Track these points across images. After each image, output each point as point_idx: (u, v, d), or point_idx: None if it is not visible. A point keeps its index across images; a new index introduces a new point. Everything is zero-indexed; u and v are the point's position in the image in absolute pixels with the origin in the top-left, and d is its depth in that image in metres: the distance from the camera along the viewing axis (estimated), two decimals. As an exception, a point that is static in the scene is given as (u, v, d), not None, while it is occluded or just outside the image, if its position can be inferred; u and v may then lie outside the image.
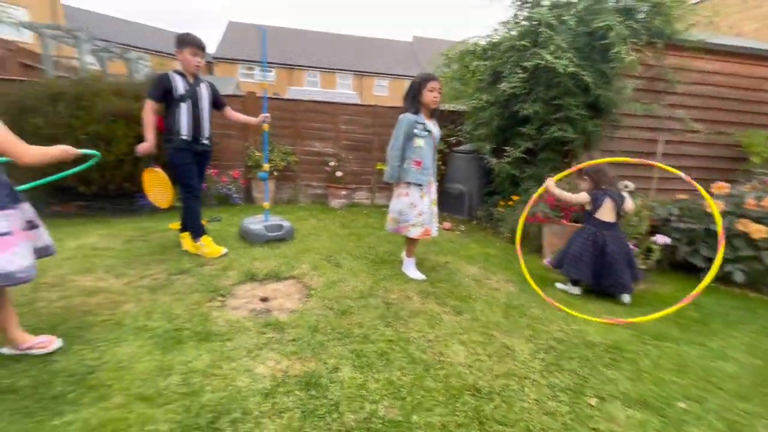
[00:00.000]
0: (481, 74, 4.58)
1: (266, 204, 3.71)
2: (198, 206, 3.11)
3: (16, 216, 1.58)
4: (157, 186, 3.08)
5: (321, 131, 5.82)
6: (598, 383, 1.77)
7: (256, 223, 3.55)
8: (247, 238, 3.48)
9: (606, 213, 2.74)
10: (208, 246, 3.10)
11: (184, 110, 2.90)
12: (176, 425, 1.36)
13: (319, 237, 3.83)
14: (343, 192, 5.76)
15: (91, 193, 4.23)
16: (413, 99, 2.68)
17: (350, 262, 3.13)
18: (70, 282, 2.48)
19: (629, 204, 2.77)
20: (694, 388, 1.79)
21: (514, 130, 4.33)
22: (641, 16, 3.80)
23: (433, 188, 2.85)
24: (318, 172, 5.86)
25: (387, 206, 5.84)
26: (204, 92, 3.01)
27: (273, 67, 24.77)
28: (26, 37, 11.83)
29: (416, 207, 2.74)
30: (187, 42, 2.86)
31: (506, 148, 4.21)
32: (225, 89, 15.74)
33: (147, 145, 2.84)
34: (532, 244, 3.82)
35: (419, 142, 2.65)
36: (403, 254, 3.03)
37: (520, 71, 3.92)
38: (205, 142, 3.05)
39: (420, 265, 3.07)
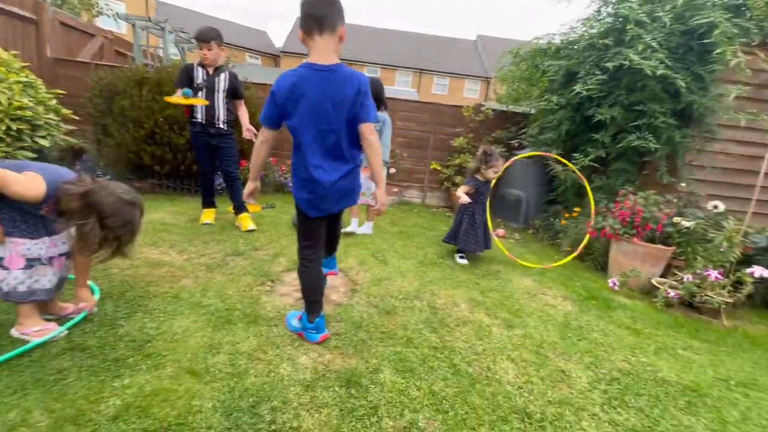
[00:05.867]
0: (553, 74, 4.25)
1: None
2: (206, 184, 3.61)
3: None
4: None
5: (378, 126, 5.80)
6: (671, 428, 1.55)
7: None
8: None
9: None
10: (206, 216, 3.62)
11: (199, 97, 3.23)
12: (219, 404, 1.39)
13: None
14: (394, 189, 5.70)
15: (164, 172, 4.57)
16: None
17: (397, 261, 3.08)
18: (139, 253, 2.67)
19: None
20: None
21: (585, 136, 3.98)
22: (756, 13, 3.29)
23: None
24: (372, 167, 5.86)
25: (439, 207, 5.81)
26: (221, 82, 3.26)
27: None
28: (122, 28, 13.16)
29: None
30: (195, 38, 3.17)
31: (575, 155, 3.88)
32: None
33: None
34: (597, 261, 3.50)
35: None
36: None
37: (599, 72, 3.59)
38: (221, 126, 3.33)
39: (470, 272, 2.97)
